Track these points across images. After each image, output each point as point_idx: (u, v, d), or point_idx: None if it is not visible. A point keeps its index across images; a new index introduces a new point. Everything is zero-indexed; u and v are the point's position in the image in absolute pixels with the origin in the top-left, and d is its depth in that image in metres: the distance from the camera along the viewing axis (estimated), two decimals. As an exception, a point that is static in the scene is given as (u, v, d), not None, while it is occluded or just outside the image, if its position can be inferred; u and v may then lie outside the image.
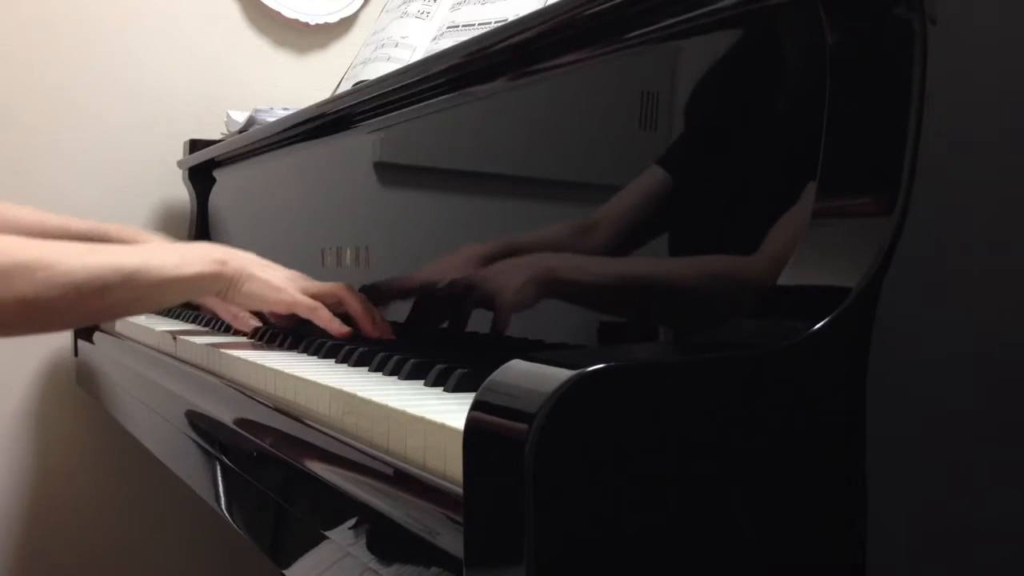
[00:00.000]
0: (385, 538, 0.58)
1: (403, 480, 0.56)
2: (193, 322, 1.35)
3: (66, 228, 1.28)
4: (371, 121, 1.07)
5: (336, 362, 0.85)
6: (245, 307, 1.03)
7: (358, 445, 0.63)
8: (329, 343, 0.91)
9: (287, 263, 1.06)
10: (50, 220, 1.29)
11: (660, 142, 0.68)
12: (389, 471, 0.58)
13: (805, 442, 0.45)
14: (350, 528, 0.62)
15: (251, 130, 1.48)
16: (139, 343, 1.30)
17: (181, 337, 1.12)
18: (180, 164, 1.74)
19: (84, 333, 1.60)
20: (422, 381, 0.70)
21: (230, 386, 0.89)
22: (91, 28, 1.74)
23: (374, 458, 0.60)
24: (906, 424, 0.48)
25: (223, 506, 0.92)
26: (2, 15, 1.68)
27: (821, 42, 0.52)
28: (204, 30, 1.83)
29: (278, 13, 1.87)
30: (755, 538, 0.44)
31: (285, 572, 0.75)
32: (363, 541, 0.60)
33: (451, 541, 0.49)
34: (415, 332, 0.96)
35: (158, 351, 1.19)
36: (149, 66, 1.78)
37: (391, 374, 0.76)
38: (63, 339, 1.71)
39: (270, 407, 0.78)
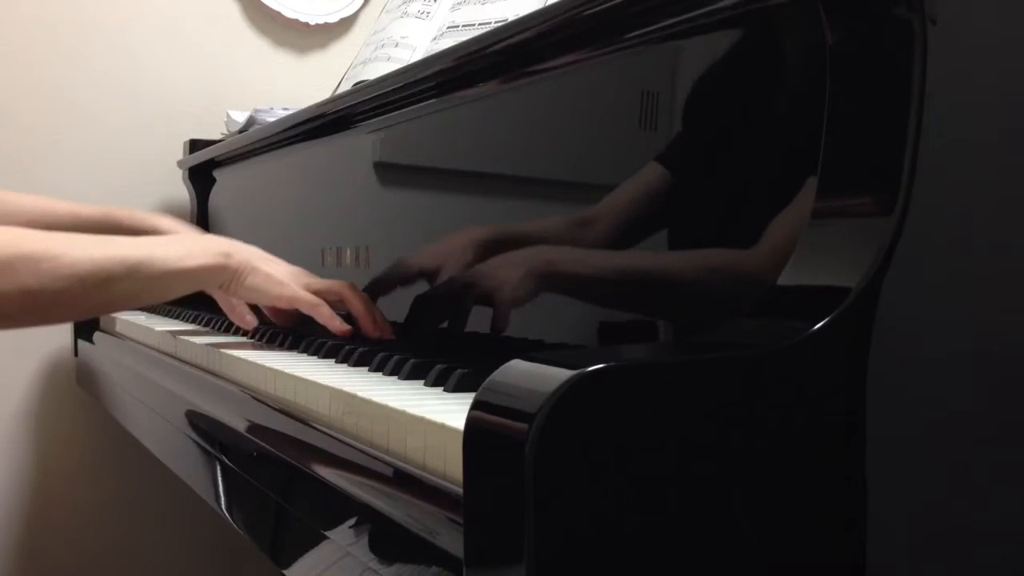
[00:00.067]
0: (385, 538, 0.58)
1: (403, 480, 0.56)
2: (193, 322, 1.35)
3: (76, 215, 1.28)
4: (371, 121, 1.07)
5: (336, 362, 0.85)
6: (247, 300, 1.03)
7: (358, 445, 0.63)
8: (329, 343, 0.91)
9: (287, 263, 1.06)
10: (60, 208, 1.29)
11: (660, 142, 0.68)
12: (389, 471, 0.58)
13: (805, 442, 0.45)
14: (350, 528, 0.62)
15: (251, 130, 1.48)
16: (139, 343, 1.30)
17: (181, 337, 1.12)
18: (180, 164, 1.74)
19: (84, 333, 1.60)
20: (422, 381, 0.70)
21: (230, 386, 0.89)
22: (91, 28, 1.75)
23: (374, 458, 0.60)
24: (906, 424, 0.48)
25: (223, 506, 0.92)
26: (2, 15, 1.68)
27: (821, 42, 0.52)
28: (204, 30, 1.83)
29: (278, 13, 1.87)
30: (755, 538, 0.44)
31: (285, 572, 0.75)
32: (363, 541, 0.60)
33: (451, 541, 0.49)
34: (415, 332, 0.96)
35: (158, 351, 1.19)
36: (149, 66, 1.79)
37: (391, 374, 0.76)
38: (63, 339, 1.71)
39: (270, 407, 0.78)
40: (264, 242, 1.08)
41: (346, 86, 1.24)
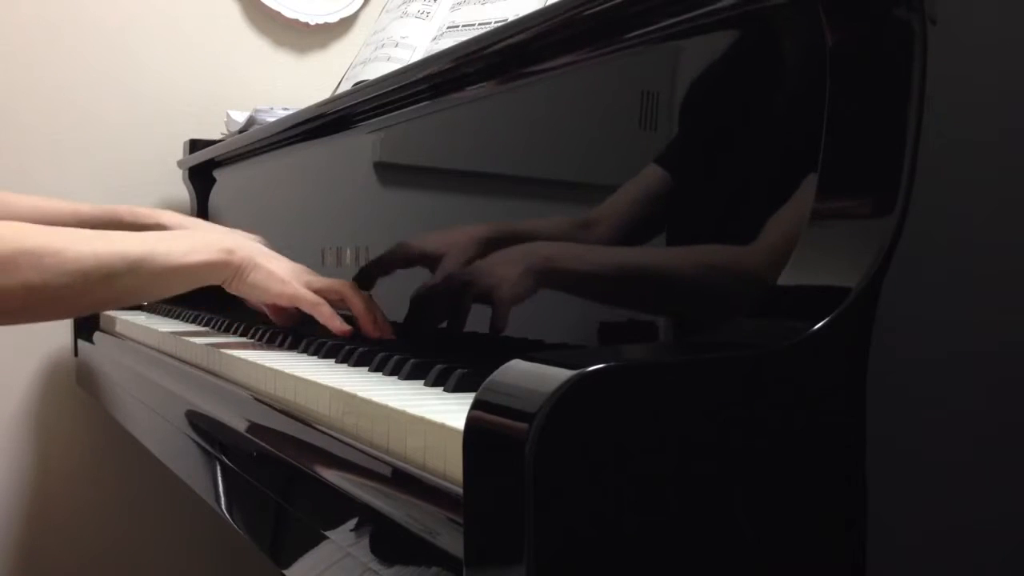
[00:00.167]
0: (385, 538, 0.58)
1: (403, 480, 0.56)
2: (193, 322, 1.35)
3: (77, 213, 1.28)
4: (371, 121, 1.07)
5: (336, 362, 0.85)
6: (249, 297, 1.03)
7: (358, 445, 0.63)
8: (329, 343, 0.91)
9: (287, 263, 1.06)
10: (61, 207, 1.29)
11: (660, 143, 0.68)
12: (389, 471, 0.58)
13: (805, 442, 0.45)
14: (350, 528, 0.62)
15: (251, 130, 1.48)
16: (139, 343, 1.30)
17: (181, 337, 1.12)
18: (180, 164, 1.74)
19: (84, 333, 1.60)
20: (422, 381, 0.70)
21: (230, 386, 0.89)
22: (91, 28, 1.75)
23: (374, 458, 0.60)
24: (906, 424, 0.48)
25: (223, 506, 0.92)
26: (2, 15, 1.68)
27: (821, 42, 0.52)
28: (204, 30, 1.83)
29: (278, 13, 1.87)
30: (755, 538, 0.44)
31: (285, 572, 0.75)
32: (363, 541, 0.60)
33: (451, 541, 0.49)
34: (415, 332, 0.96)
35: (158, 351, 1.19)
36: (149, 66, 1.79)
37: (391, 374, 0.76)
38: (63, 339, 1.71)
39: (270, 407, 0.78)
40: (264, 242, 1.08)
41: (346, 86, 1.24)
